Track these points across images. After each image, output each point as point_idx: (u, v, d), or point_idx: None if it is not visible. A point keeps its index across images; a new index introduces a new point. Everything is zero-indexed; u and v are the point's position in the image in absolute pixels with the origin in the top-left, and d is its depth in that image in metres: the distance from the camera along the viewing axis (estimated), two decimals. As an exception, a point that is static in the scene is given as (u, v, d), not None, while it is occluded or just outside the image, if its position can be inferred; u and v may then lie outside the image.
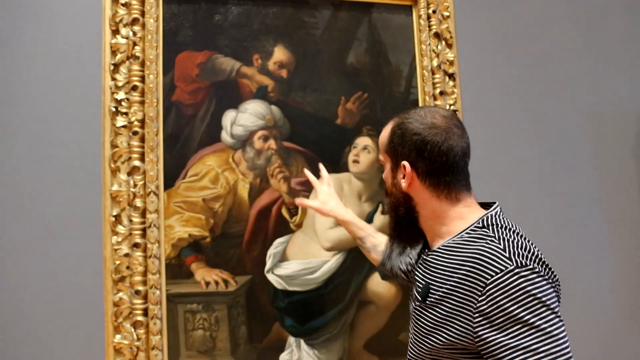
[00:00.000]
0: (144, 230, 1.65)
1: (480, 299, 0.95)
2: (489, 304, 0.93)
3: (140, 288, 1.63)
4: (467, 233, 1.07)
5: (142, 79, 1.68)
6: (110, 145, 1.66)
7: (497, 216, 1.09)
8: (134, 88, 1.67)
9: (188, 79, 1.74)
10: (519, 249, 0.97)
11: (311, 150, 1.81)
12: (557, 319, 0.91)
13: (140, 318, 1.62)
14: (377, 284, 1.83)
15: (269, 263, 1.75)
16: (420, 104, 1.91)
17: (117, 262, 1.63)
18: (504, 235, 1.01)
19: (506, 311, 0.91)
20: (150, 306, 1.63)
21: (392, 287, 1.83)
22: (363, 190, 1.84)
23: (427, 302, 1.08)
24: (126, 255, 1.64)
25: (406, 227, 1.19)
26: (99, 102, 1.67)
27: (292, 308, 1.75)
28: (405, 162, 1.11)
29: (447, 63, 1.95)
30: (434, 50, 1.93)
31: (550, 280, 0.96)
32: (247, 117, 1.77)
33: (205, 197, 1.72)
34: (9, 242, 1.58)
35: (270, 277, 1.75)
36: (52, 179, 1.63)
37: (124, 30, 1.69)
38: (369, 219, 1.83)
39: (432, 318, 1.06)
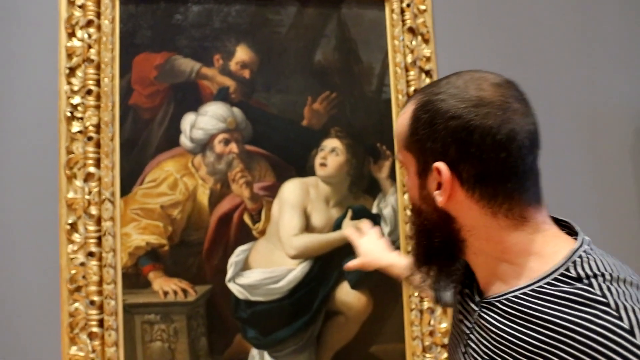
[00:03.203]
0: (99, 238, 1.60)
1: None
2: None
3: (96, 298, 1.58)
4: (550, 284, 0.69)
5: (98, 83, 1.64)
6: (66, 152, 1.62)
7: (594, 253, 0.71)
8: (89, 92, 1.63)
9: (146, 81, 1.68)
10: None
11: (275, 153, 1.73)
12: None
13: (95, 329, 1.58)
14: (346, 294, 1.73)
15: (230, 272, 1.68)
16: (393, 103, 1.80)
17: (73, 272, 1.59)
18: (625, 301, 0.62)
19: None
20: (105, 317, 1.59)
21: (362, 296, 1.73)
22: (331, 194, 1.75)
23: None
24: (82, 264, 1.59)
25: (443, 263, 0.82)
26: (55, 107, 1.63)
27: (255, 319, 1.68)
28: (439, 164, 0.72)
29: (424, 59, 1.84)
30: (407, 46, 1.83)
31: None
32: (207, 120, 1.70)
33: (164, 204, 1.66)
34: (-40, 252, 1.56)
35: (232, 286, 1.68)
36: (8, 186, 1.60)
37: (79, 33, 1.65)
38: (337, 226, 1.74)
39: None
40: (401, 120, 0.80)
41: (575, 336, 0.62)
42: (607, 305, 0.62)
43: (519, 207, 0.73)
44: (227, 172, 1.70)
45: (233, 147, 1.71)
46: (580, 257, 0.70)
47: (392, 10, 1.83)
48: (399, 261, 1.32)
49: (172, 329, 1.64)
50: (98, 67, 1.64)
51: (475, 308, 0.78)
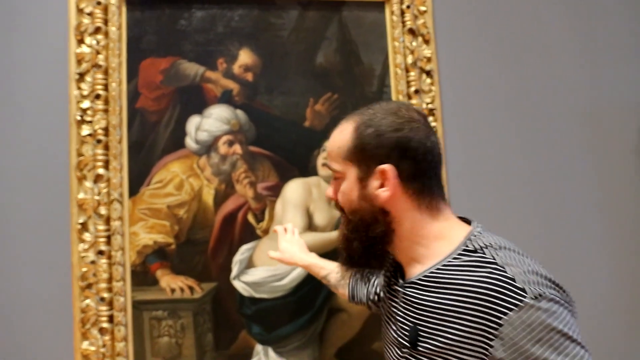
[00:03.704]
0: (108, 237, 1.66)
1: (493, 343, 0.79)
2: (506, 348, 0.78)
3: (105, 295, 1.64)
4: (455, 258, 0.89)
5: (106, 87, 1.70)
6: (76, 154, 1.68)
7: (484, 233, 0.91)
8: (98, 96, 1.69)
9: (152, 85, 1.74)
10: (530, 275, 0.81)
11: (278, 154, 1.78)
12: (583, 352, 0.79)
13: (105, 325, 1.64)
14: (348, 291, 1.77)
15: (235, 270, 1.73)
16: (394, 103, 1.84)
17: (84, 269, 1.65)
18: (507, 260, 0.84)
19: (528, 354, 0.77)
20: (115, 313, 1.65)
21: (364, 293, 1.77)
22: (333, 194, 1.79)
23: (421, 349, 0.89)
24: (92, 262, 1.65)
25: (379, 252, 0.96)
26: (65, 112, 1.69)
27: (260, 315, 1.73)
28: (385, 166, 0.89)
29: (424, 60, 1.87)
30: (408, 47, 1.86)
31: (568, 305, 0.82)
32: (211, 122, 1.75)
33: (170, 204, 1.71)
34: (-23, 251, 1.63)
35: (237, 284, 1.73)
36: (21, 188, 1.67)
37: (88, 40, 1.71)
38: (339, 225, 1.77)
39: None
40: (340, 137, 0.96)
41: (477, 289, 0.83)
42: (496, 264, 0.84)
43: (436, 200, 0.93)
44: (232, 172, 1.75)
45: (237, 148, 1.76)
46: (474, 235, 0.91)
47: (392, 12, 1.86)
48: (317, 262, 1.45)
49: (179, 325, 1.69)
50: (106, 72, 1.70)
51: (400, 289, 0.96)
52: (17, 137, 1.68)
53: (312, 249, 1.73)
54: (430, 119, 1.84)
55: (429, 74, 1.87)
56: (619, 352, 1.87)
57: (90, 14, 1.71)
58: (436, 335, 0.86)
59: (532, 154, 1.94)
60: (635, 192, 1.99)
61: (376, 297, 1.24)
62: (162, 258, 1.70)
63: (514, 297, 0.79)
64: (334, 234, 1.76)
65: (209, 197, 1.73)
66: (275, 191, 1.77)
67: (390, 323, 1.00)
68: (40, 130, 1.69)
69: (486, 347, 0.80)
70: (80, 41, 1.71)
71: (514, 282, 0.80)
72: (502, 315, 0.79)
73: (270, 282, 1.74)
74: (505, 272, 0.82)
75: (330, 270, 1.43)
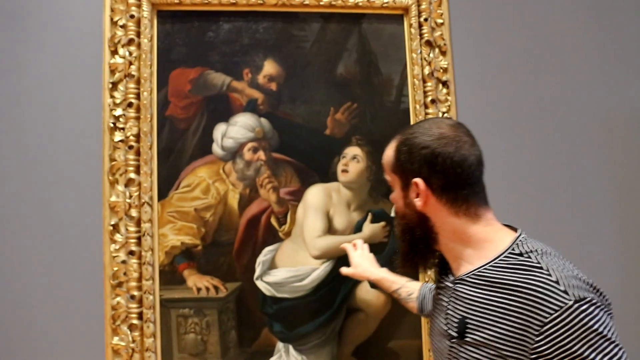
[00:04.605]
0: (138, 238, 1.75)
1: (537, 339, 0.88)
2: (549, 344, 0.86)
3: (135, 293, 1.73)
4: (502, 260, 0.98)
5: (138, 96, 1.79)
6: (109, 159, 1.77)
7: (529, 239, 1.01)
8: (130, 105, 1.78)
9: (181, 94, 1.83)
10: (572, 279, 0.90)
11: (300, 160, 1.86)
12: (619, 351, 0.86)
13: (135, 321, 1.73)
14: (366, 292, 1.85)
15: (258, 270, 1.81)
16: (412, 112, 1.91)
17: (115, 269, 1.74)
18: (551, 265, 0.93)
19: (569, 352, 0.85)
20: (144, 310, 1.73)
21: (381, 295, 1.85)
22: (352, 199, 1.87)
23: (469, 339, 0.98)
24: (123, 262, 1.74)
25: (422, 251, 1.10)
26: (99, 119, 1.78)
27: (281, 314, 1.81)
28: (417, 179, 1.03)
29: (441, 70, 1.94)
30: (425, 59, 1.93)
31: (607, 308, 0.90)
32: (237, 130, 1.84)
33: (197, 207, 1.80)
34: (16, 250, 1.73)
35: (260, 284, 1.81)
36: (56, 191, 1.76)
37: (121, 51, 1.80)
38: (358, 228, 1.85)
39: (478, 358, 0.96)
40: (388, 152, 1.12)
41: (524, 289, 0.91)
42: (541, 268, 0.93)
43: (474, 207, 1.03)
44: (256, 177, 1.84)
45: (261, 154, 1.84)
46: (520, 241, 1.01)
47: (411, 25, 1.94)
48: (388, 276, 1.54)
49: (205, 322, 1.78)
50: (138, 82, 1.79)
51: (451, 285, 1.07)
52: (54, 143, 1.77)
53: (332, 252, 1.83)
54: (446, 127, 1.91)
55: (445, 84, 1.94)
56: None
57: (123, 27, 1.80)
58: (483, 328, 0.96)
59: (546, 160, 2.00)
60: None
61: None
62: (189, 258, 1.79)
63: (558, 299, 0.87)
64: (353, 237, 1.83)
65: (234, 201, 1.82)
66: (297, 196, 1.85)
67: (440, 316, 1.10)
68: (76, 136, 1.78)
69: (530, 342, 0.89)
70: (114, 52, 1.80)
71: (558, 285, 0.89)
72: (547, 315, 0.87)
73: (292, 283, 1.82)
74: (550, 275, 0.91)
75: (401, 285, 1.52)
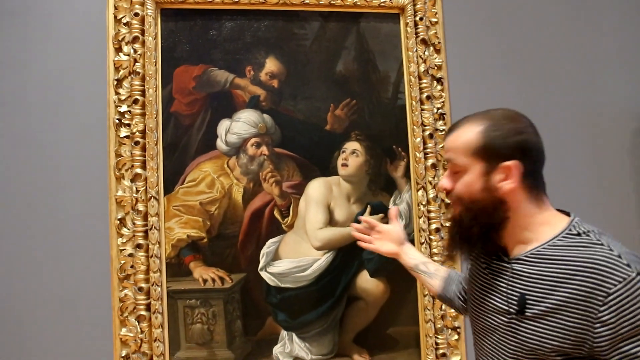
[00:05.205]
0: (146, 232, 1.80)
1: (602, 309, 0.93)
2: (613, 314, 0.92)
3: (143, 285, 1.78)
4: (560, 240, 1.04)
5: (143, 93, 1.83)
6: (115, 155, 1.81)
7: (583, 223, 1.07)
8: (135, 101, 1.82)
9: (185, 91, 1.87)
10: (631, 255, 0.97)
11: (301, 155, 1.92)
12: None
13: (143, 313, 1.77)
14: (365, 281, 1.92)
15: (262, 261, 1.87)
16: (408, 108, 1.98)
17: (122, 262, 1.78)
18: (611, 242, 1.00)
19: (632, 319, 0.92)
20: (152, 302, 1.78)
21: (380, 283, 1.93)
22: (352, 192, 1.94)
23: (529, 314, 1.03)
24: (130, 255, 1.79)
25: (487, 236, 1.11)
26: (104, 115, 1.82)
27: (285, 303, 1.87)
28: (510, 163, 1.05)
29: (435, 68, 2.02)
30: (420, 56, 2.01)
31: None
32: (240, 126, 1.89)
33: (202, 201, 1.85)
34: (25, 244, 1.76)
35: (264, 274, 1.87)
36: (64, 186, 1.80)
37: (125, 48, 1.84)
38: (358, 220, 1.92)
39: (540, 330, 1.01)
40: (466, 136, 1.09)
41: (586, 263, 0.97)
42: (602, 245, 0.99)
43: (542, 193, 1.10)
44: (259, 172, 1.90)
45: (264, 149, 1.90)
46: (576, 223, 1.07)
47: (407, 23, 2.01)
48: (412, 252, 1.55)
49: (211, 313, 1.83)
50: (143, 79, 1.83)
51: (508, 266, 1.11)
52: (60, 139, 1.81)
53: (333, 242, 1.90)
54: (440, 122, 1.99)
55: (439, 81, 2.02)
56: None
57: (127, 24, 1.84)
58: (543, 300, 1.01)
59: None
60: (630, 190, 2.15)
61: (462, 295, 1.40)
62: (195, 251, 1.84)
63: (622, 271, 0.94)
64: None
65: (238, 194, 1.87)
66: (299, 189, 1.91)
67: (492, 295, 1.14)
68: (82, 132, 1.82)
69: (594, 312, 0.94)
70: (119, 50, 1.84)
71: (621, 259, 0.95)
72: (611, 286, 0.93)
73: (295, 273, 1.89)
74: (612, 251, 0.97)
75: (428, 260, 1.54)
